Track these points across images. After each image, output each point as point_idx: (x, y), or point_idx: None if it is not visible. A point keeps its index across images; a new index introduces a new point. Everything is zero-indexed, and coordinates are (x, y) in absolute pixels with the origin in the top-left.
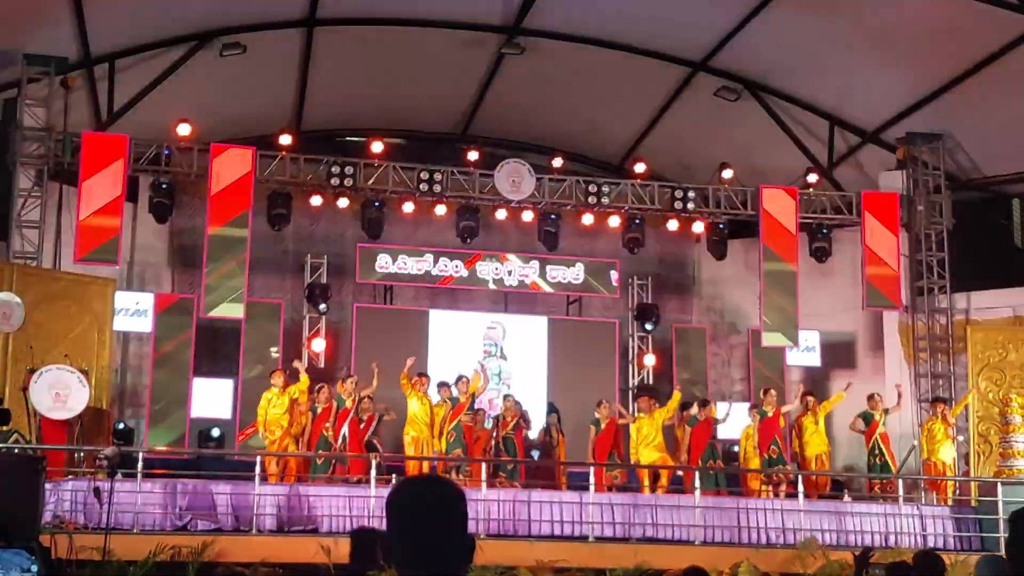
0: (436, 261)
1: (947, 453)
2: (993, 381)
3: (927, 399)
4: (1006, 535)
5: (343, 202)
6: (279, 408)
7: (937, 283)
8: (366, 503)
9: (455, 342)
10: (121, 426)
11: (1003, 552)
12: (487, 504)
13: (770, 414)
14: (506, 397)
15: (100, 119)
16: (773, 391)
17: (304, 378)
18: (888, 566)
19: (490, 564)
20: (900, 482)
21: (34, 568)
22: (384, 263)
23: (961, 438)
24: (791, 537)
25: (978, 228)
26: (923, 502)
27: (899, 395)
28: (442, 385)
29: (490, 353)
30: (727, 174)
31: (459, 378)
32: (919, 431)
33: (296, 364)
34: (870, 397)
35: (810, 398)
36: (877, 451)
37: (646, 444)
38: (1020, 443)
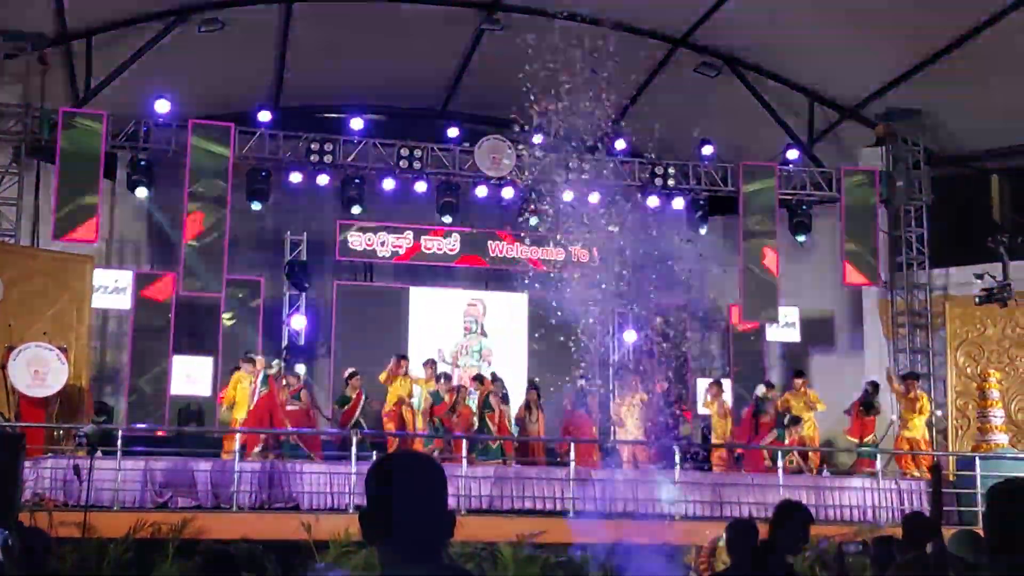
0: (416, 238)
1: (917, 429)
2: (971, 356)
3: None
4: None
5: (322, 179)
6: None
7: (916, 259)
8: (347, 480)
9: (435, 319)
10: (100, 404)
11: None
12: (467, 481)
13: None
14: (493, 379)
15: (77, 96)
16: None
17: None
18: (875, 540)
19: (471, 540)
20: (879, 457)
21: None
22: (364, 240)
23: (940, 413)
24: (769, 512)
25: (957, 204)
26: (900, 477)
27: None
28: (428, 363)
29: (470, 330)
30: (707, 150)
31: (441, 375)
32: (897, 407)
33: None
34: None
35: (798, 380)
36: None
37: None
38: (998, 418)
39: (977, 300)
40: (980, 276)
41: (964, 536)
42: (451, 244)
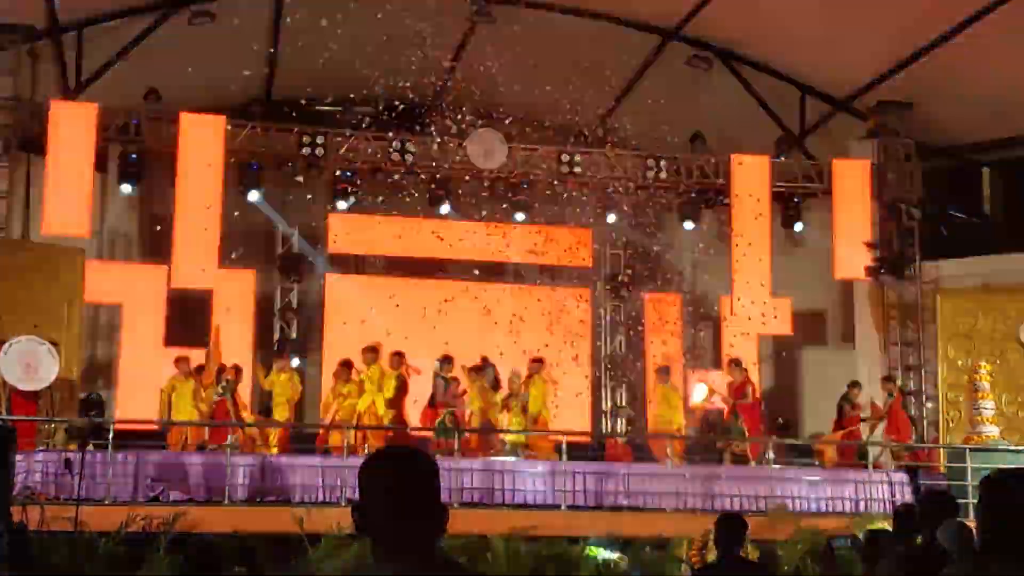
0: (407, 231)
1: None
2: (962, 349)
3: (895, 367)
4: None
5: (314, 172)
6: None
7: (908, 251)
8: (339, 473)
9: (426, 311)
10: (92, 397)
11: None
12: (460, 474)
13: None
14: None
15: (68, 88)
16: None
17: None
18: (866, 533)
19: (464, 533)
20: (870, 450)
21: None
22: (356, 233)
23: (930, 405)
24: (762, 504)
25: (948, 197)
26: (891, 469)
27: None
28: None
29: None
30: (699, 143)
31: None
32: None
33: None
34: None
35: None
36: None
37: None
38: (989, 410)
39: (871, 271)
40: (873, 245)
41: (953, 529)
42: (444, 237)
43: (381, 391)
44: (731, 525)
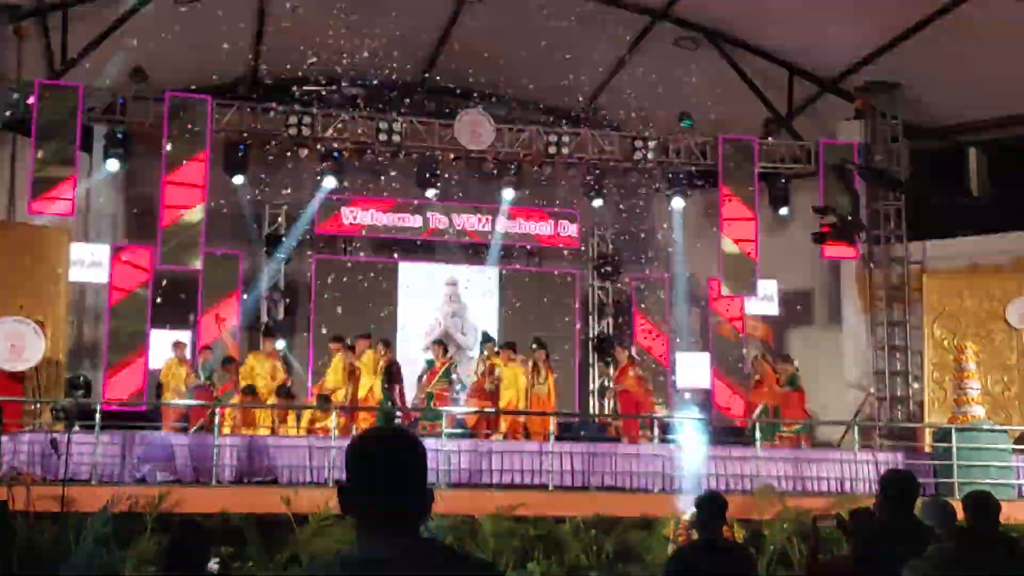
0: (395, 211)
1: None
2: (948, 329)
3: (882, 348)
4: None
5: (301, 152)
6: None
7: (894, 232)
8: (326, 454)
9: (415, 293)
10: (78, 378)
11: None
12: (448, 454)
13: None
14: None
15: (54, 68)
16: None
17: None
18: (851, 512)
19: (451, 513)
20: (856, 430)
21: None
22: (342, 213)
23: (916, 385)
24: (748, 484)
25: (935, 178)
26: (878, 448)
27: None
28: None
29: (450, 302)
30: (687, 124)
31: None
32: (874, 379)
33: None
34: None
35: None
36: None
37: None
38: (974, 390)
39: (818, 238)
40: (822, 211)
41: (933, 506)
42: (430, 218)
43: (377, 376)
44: (711, 505)
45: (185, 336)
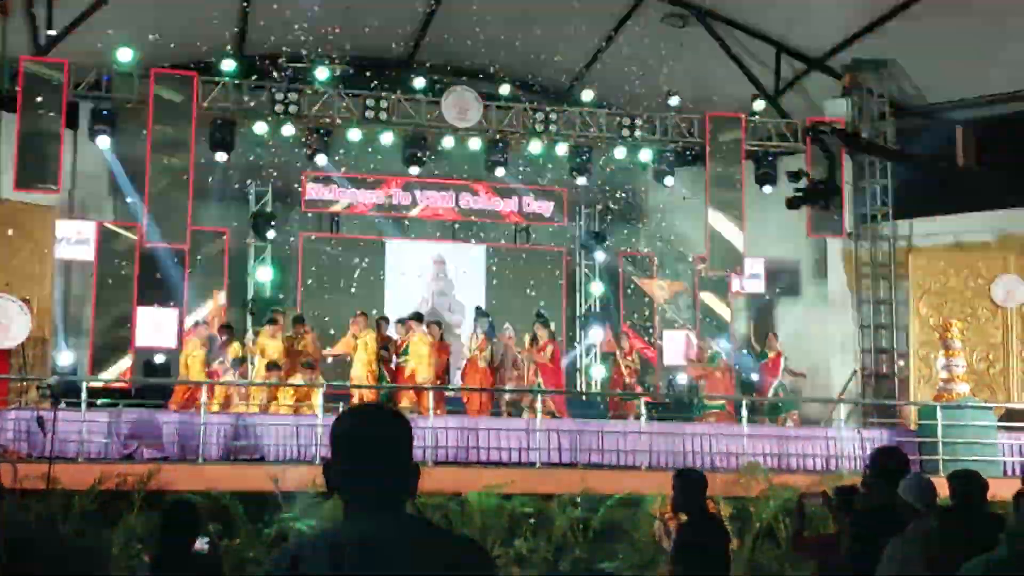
0: (382, 189)
1: None
2: (934, 307)
3: (868, 325)
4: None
5: (288, 129)
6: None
7: (880, 210)
8: (313, 432)
9: (403, 271)
10: (64, 355)
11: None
12: (435, 432)
13: (771, 356)
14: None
15: (39, 44)
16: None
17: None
18: (836, 490)
19: (438, 491)
20: (842, 407)
21: None
22: (330, 191)
23: (902, 362)
24: (734, 461)
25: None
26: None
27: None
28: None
29: (437, 279)
30: (674, 101)
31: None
32: (861, 357)
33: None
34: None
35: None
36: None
37: None
38: (959, 367)
39: (791, 202)
40: (795, 175)
41: (913, 482)
42: (417, 195)
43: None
44: (688, 482)
45: (172, 314)
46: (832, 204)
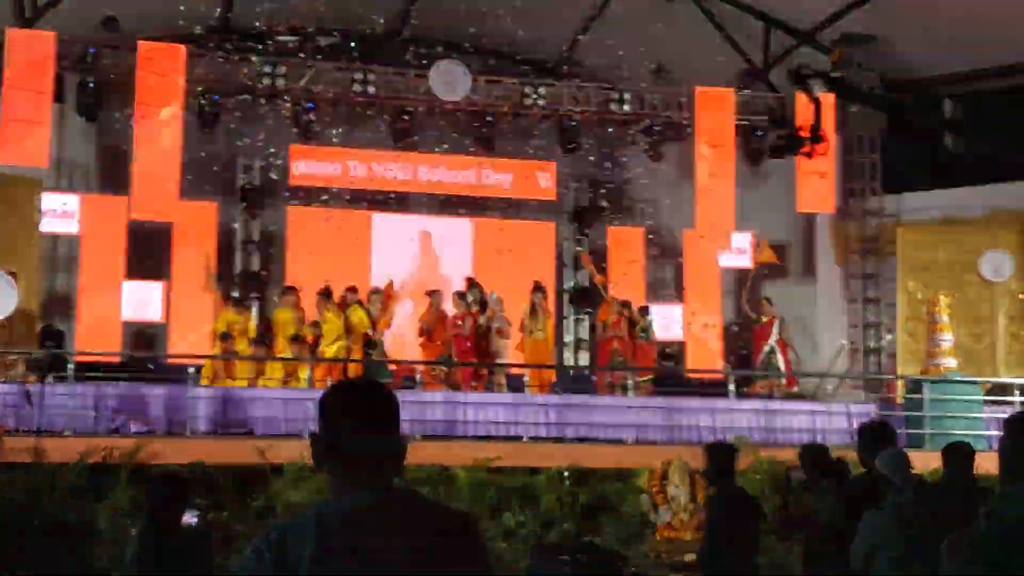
0: (370, 163)
1: None
2: (922, 281)
3: (856, 300)
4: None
5: (275, 103)
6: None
7: (869, 185)
8: (301, 406)
9: (390, 245)
10: (51, 329)
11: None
12: (422, 406)
13: (764, 321)
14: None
15: (24, 16)
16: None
17: None
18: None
19: (425, 464)
20: (830, 381)
21: None
22: (317, 165)
23: (889, 337)
24: (721, 436)
25: (910, 130)
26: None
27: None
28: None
29: (424, 255)
30: (662, 76)
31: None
32: (848, 332)
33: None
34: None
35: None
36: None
37: None
38: (947, 342)
39: (773, 150)
40: (774, 122)
41: (891, 457)
42: (404, 169)
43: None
44: (719, 454)
45: (158, 288)
46: (816, 152)
